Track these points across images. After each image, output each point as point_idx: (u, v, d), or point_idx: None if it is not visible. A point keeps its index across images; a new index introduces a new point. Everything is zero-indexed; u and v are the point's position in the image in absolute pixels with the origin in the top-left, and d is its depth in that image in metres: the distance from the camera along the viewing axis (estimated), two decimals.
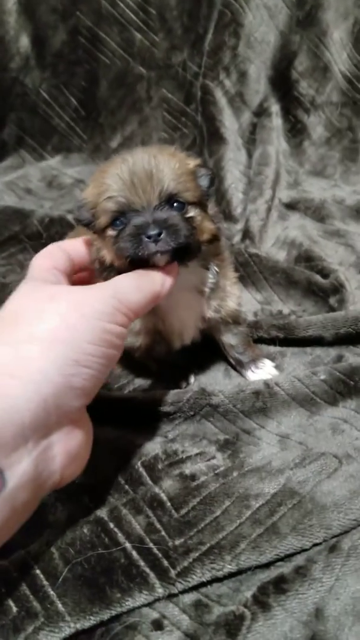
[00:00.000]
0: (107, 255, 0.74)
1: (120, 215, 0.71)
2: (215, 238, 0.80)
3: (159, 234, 0.67)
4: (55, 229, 1.45)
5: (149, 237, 0.67)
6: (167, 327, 0.86)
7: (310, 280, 1.16)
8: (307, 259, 1.27)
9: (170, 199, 0.71)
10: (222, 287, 0.87)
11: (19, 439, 0.51)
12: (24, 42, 1.75)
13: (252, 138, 1.68)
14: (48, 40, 1.74)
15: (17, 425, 0.51)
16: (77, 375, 0.56)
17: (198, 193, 0.75)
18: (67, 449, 0.58)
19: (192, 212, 0.74)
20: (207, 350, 0.97)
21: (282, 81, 1.68)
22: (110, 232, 0.72)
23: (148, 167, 0.70)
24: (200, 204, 0.76)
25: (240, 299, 0.92)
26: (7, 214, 1.50)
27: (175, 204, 0.71)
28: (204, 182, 0.77)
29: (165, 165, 0.71)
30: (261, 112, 1.68)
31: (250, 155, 1.66)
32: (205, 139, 1.67)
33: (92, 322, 0.58)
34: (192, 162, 0.77)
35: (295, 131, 1.73)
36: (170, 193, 0.70)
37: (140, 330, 0.86)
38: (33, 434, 0.53)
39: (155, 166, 0.70)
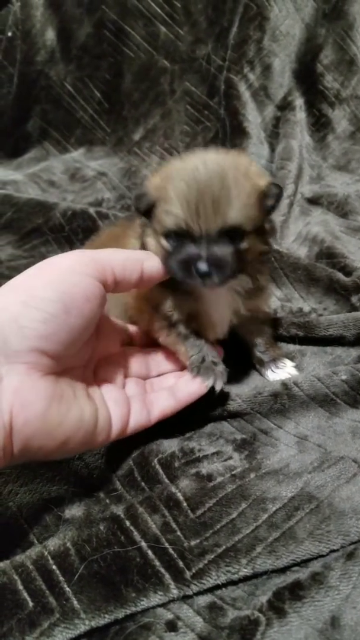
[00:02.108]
0: (151, 248, 0.77)
1: (176, 235, 0.72)
2: (264, 253, 0.80)
3: (209, 273, 0.70)
4: (77, 222, 1.46)
5: (197, 271, 0.70)
6: (204, 317, 0.85)
7: (332, 277, 1.15)
8: (329, 255, 1.25)
9: (229, 230, 0.71)
10: (261, 288, 0.87)
11: None
12: (50, 35, 1.76)
13: (275, 132, 1.67)
14: (73, 33, 1.75)
15: None
16: (24, 315, 0.59)
17: (260, 218, 0.75)
18: (17, 389, 0.58)
19: (247, 242, 0.74)
20: (227, 349, 0.96)
21: (306, 74, 1.66)
22: (164, 242, 0.74)
23: (217, 194, 0.69)
24: (259, 229, 0.76)
25: (271, 301, 0.92)
26: (30, 206, 1.51)
27: (233, 235, 0.72)
28: (271, 201, 0.76)
29: (235, 193, 0.69)
30: (285, 105, 1.66)
31: (273, 149, 1.65)
32: (227, 133, 1.66)
33: (53, 269, 0.63)
34: (264, 181, 0.75)
35: (319, 125, 1.71)
36: (232, 226, 0.70)
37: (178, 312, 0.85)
38: None
39: (225, 194, 0.69)
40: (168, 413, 0.77)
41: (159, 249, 0.75)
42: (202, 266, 0.69)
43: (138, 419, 0.74)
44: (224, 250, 0.70)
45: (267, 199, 0.75)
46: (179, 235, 0.71)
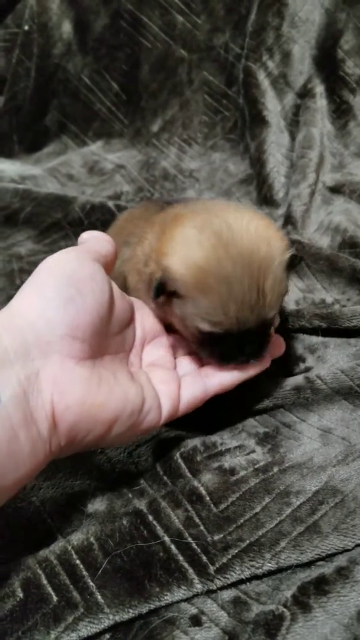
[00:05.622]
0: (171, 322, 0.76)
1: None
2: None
3: (247, 361, 0.72)
4: (97, 216, 1.46)
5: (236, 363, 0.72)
6: None
7: (355, 267, 1.13)
8: (352, 245, 1.23)
9: (266, 320, 0.71)
10: None
11: (4, 358, 0.56)
12: (67, 27, 1.75)
13: (295, 120, 1.63)
14: (90, 25, 1.74)
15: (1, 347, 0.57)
16: (47, 306, 0.61)
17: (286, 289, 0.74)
18: (54, 378, 0.59)
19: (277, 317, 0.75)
20: None
21: (327, 61, 1.63)
22: (194, 330, 0.72)
23: (255, 298, 0.67)
24: None
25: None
26: (49, 200, 1.51)
27: (269, 322, 0.72)
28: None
29: (271, 288, 0.68)
30: (305, 93, 1.63)
31: (293, 137, 1.62)
32: (247, 122, 1.64)
33: (51, 265, 0.65)
34: (286, 253, 0.71)
35: (341, 112, 1.67)
36: (270, 318, 0.70)
37: None
38: (17, 359, 0.57)
39: (263, 295, 0.67)
40: (228, 383, 0.75)
41: (184, 333, 0.75)
42: (241, 360, 0.72)
43: (191, 390, 0.73)
44: (260, 340, 0.71)
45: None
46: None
